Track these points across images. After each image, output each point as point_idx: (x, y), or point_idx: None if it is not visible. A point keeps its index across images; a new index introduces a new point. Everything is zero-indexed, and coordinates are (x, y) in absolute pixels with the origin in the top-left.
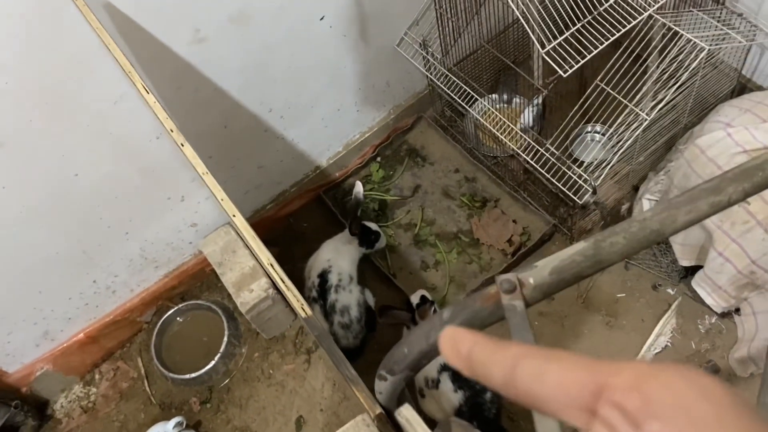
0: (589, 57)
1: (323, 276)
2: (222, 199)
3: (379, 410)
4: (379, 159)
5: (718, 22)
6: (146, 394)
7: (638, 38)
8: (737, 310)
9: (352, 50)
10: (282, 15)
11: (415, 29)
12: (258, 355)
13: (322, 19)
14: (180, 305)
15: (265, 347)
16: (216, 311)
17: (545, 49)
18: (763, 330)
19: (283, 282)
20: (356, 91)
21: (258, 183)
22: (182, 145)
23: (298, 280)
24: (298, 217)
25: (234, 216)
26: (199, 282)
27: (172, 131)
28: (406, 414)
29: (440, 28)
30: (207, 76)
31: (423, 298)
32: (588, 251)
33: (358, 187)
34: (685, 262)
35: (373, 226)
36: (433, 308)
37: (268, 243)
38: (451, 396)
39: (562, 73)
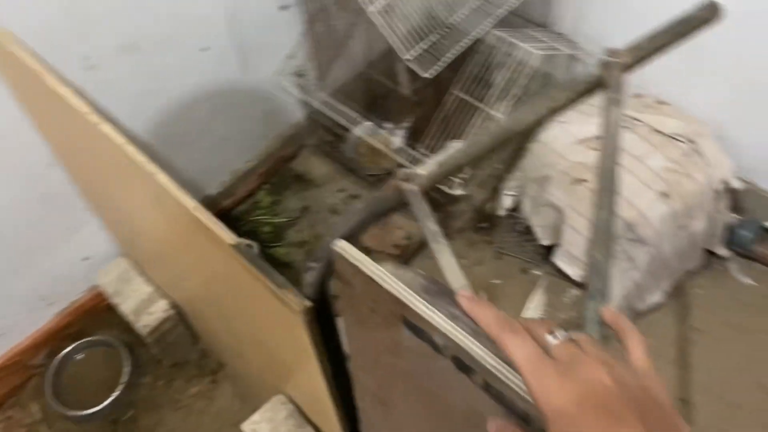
0: (448, 59)
1: None
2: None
3: (308, 304)
4: (266, 186)
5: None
6: None
7: (480, 54)
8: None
9: (236, 80)
10: (168, 45)
11: (291, 61)
12: (162, 383)
13: (206, 50)
14: (75, 343)
15: (169, 374)
16: (114, 345)
17: (406, 56)
18: (616, 292)
19: (210, 220)
20: (241, 121)
21: None
22: (97, 125)
23: None
24: None
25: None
26: (94, 318)
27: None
28: (342, 245)
29: (314, 58)
30: (96, 104)
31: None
32: (463, 148)
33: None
34: (545, 242)
35: None
36: None
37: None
38: None
39: (427, 75)
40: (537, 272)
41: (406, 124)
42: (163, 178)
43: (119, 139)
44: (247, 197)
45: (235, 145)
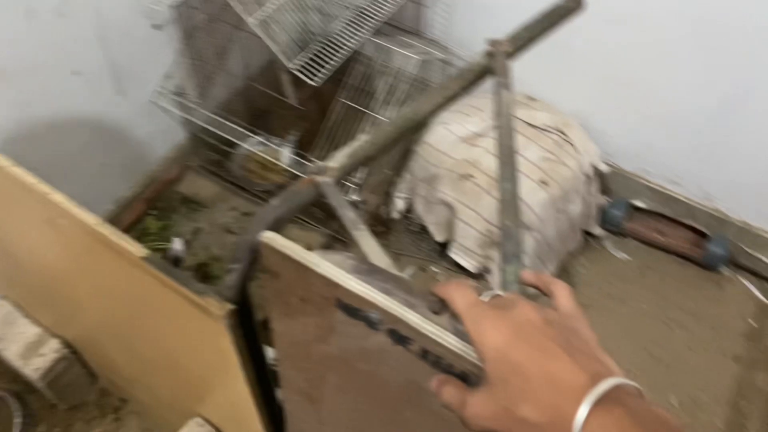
0: (335, 66)
1: None
2: None
3: (230, 307)
4: (153, 211)
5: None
6: None
7: (362, 63)
8: (487, 270)
9: (111, 105)
10: (36, 70)
11: (170, 80)
12: (59, 430)
13: (78, 73)
14: None
15: (66, 419)
16: (1, 396)
17: (291, 64)
18: None
19: (115, 234)
20: (120, 146)
21: None
22: None
23: None
24: None
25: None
26: None
27: None
28: (268, 235)
29: (192, 75)
30: None
31: None
32: (370, 139)
33: (177, 244)
34: (439, 238)
35: None
36: None
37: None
38: None
39: (314, 83)
40: (435, 269)
41: (293, 137)
42: (59, 197)
43: (3, 161)
44: (135, 224)
45: (118, 171)
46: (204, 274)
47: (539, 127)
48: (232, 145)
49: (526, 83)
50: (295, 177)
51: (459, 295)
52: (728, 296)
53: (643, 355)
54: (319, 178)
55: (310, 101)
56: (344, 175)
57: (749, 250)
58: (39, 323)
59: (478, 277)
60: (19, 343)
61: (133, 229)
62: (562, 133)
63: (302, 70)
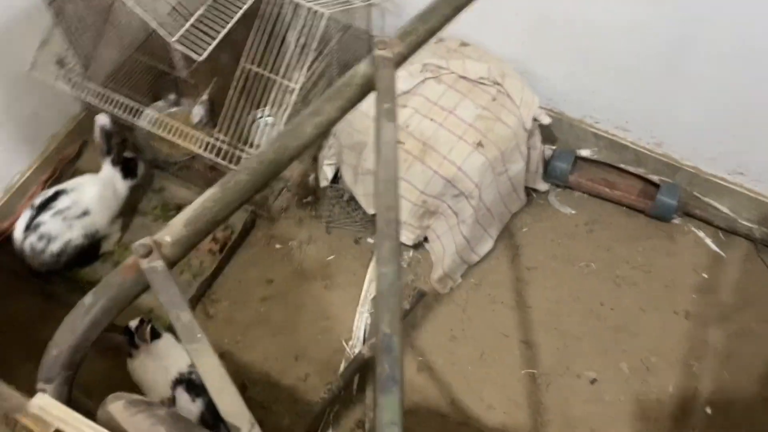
0: (219, 37)
1: (56, 194)
2: None
3: (54, 427)
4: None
5: None
6: None
7: (269, 16)
8: (426, 240)
9: None
10: None
11: (47, 49)
12: None
13: None
14: None
15: None
16: None
17: (173, 39)
18: (448, 249)
19: None
20: (3, 127)
21: None
22: None
23: None
24: None
25: None
26: None
27: None
28: (39, 403)
29: (73, 44)
30: None
31: (141, 320)
32: (217, 195)
33: (102, 120)
34: (372, 210)
35: (128, 153)
36: (149, 327)
37: None
38: (190, 407)
39: (196, 57)
40: (370, 240)
41: (204, 97)
42: None
43: None
44: None
45: (2, 157)
46: (116, 265)
47: (473, 80)
48: (133, 114)
49: (456, 25)
50: (210, 146)
51: None
52: (680, 248)
53: (592, 319)
54: (146, 263)
55: (208, 64)
56: (183, 253)
57: (701, 197)
58: None
59: (417, 248)
60: None
61: None
62: (499, 84)
63: (186, 43)
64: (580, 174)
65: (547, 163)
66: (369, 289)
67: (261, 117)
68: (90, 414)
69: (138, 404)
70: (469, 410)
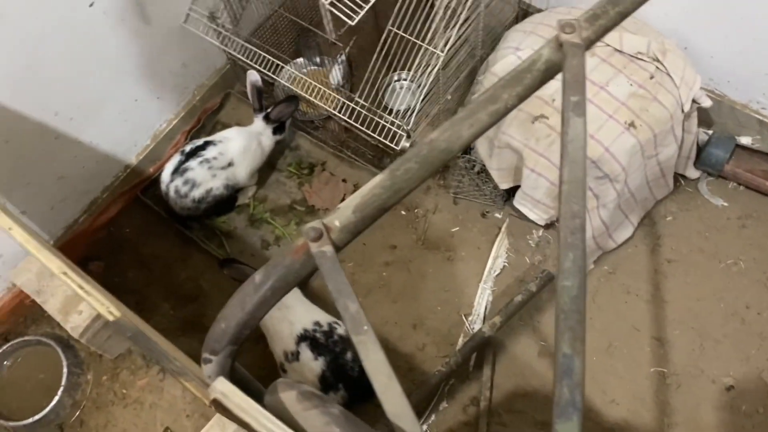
0: (372, 1)
1: (205, 144)
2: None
3: (213, 395)
4: None
5: None
6: None
7: None
8: (558, 220)
9: (135, 35)
10: (42, 7)
11: (200, 2)
12: (106, 378)
13: (91, 5)
14: (4, 346)
15: (113, 368)
16: (48, 343)
17: (329, 0)
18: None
19: (82, 288)
20: (151, 79)
21: (63, 196)
22: None
23: (131, 291)
24: (118, 224)
25: (10, 229)
26: (21, 317)
27: None
28: (221, 388)
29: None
30: None
31: None
32: (386, 182)
33: (254, 76)
34: (504, 185)
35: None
36: None
37: (90, 258)
38: (312, 365)
39: (350, 22)
40: (498, 215)
41: (342, 58)
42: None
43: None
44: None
45: (152, 105)
46: (250, 218)
47: (630, 55)
48: (274, 70)
49: None
50: (345, 108)
51: None
52: None
53: (735, 322)
54: (315, 247)
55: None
56: (350, 238)
57: None
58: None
59: (548, 228)
60: (58, 297)
61: None
62: (658, 61)
63: (339, 5)
64: (738, 163)
65: (700, 148)
66: (493, 265)
67: (398, 80)
68: (248, 390)
69: (311, 398)
70: (590, 402)
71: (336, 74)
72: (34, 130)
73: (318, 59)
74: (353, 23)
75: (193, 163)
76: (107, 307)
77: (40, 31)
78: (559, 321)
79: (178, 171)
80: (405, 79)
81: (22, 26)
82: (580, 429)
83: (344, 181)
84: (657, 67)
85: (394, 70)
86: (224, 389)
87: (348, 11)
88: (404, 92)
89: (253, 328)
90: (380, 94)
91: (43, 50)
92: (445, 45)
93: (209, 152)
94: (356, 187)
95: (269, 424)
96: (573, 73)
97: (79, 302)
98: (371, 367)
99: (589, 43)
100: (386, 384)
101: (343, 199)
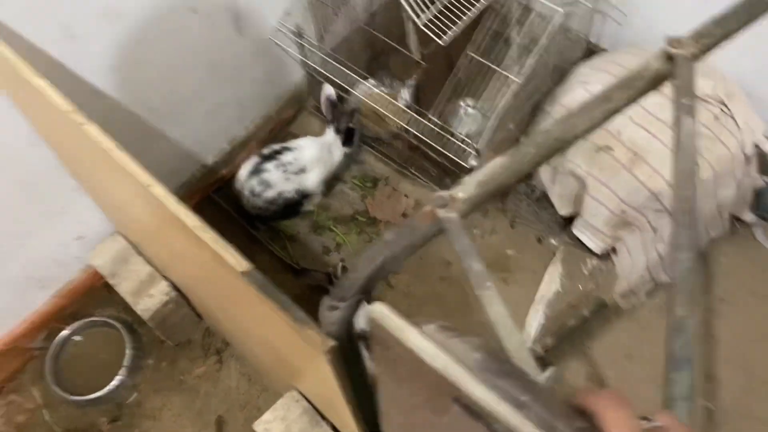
0: (463, 24)
1: (283, 149)
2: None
3: (332, 343)
4: None
5: None
6: (47, 425)
7: (495, 13)
8: (614, 250)
9: (228, 43)
10: (153, 9)
11: (289, 18)
12: (166, 364)
13: (194, 11)
14: (74, 325)
15: (173, 354)
16: (114, 326)
17: (421, 21)
18: (638, 264)
19: (217, 242)
20: (236, 85)
21: None
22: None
23: None
24: None
25: (149, 186)
26: (91, 298)
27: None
28: (380, 309)
29: (313, 17)
30: (81, 76)
31: (343, 266)
32: (506, 163)
33: (329, 90)
34: (563, 212)
35: (351, 123)
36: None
37: None
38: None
39: (441, 42)
40: (553, 242)
41: (413, 81)
42: (160, 191)
43: (107, 143)
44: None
45: (233, 111)
46: (313, 225)
47: (698, 97)
48: (347, 88)
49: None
50: (417, 125)
51: (616, 420)
52: None
53: None
54: (442, 213)
55: (436, 50)
56: (471, 210)
57: None
58: (151, 262)
59: (603, 257)
60: (130, 280)
61: None
62: (724, 104)
63: (430, 25)
64: None
65: (758, 194)
66: (546, 290)
67: (462, 106)
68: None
69: (450, 330)
70: None
71: (405, 95)
72: (131, 122)
73: (388, 80)
74: (444, 44)
75: (269, 165)
76: (238, 261)
77: (150, 32)
78: (672, 288)
79: (255, 172)
80: (470, 106)
81: (136, 26)
82: (693, 379)
83: (406, 196)
84: (722, 110)
85: (462, 96)
86: (384, 310)
87: (437, 31)
88: (469, 118)
89: (378, 281)
90: (446, 117)
91: (149, 49)
92: (520, 70)
93: (285, 157)
94: (417, 203)
95: (430, 345)
96: (684, 80)
97: (150, 287)
98: (494, 318)
99: (694, 58)
100: (509, 332)
101: (404, 214)
